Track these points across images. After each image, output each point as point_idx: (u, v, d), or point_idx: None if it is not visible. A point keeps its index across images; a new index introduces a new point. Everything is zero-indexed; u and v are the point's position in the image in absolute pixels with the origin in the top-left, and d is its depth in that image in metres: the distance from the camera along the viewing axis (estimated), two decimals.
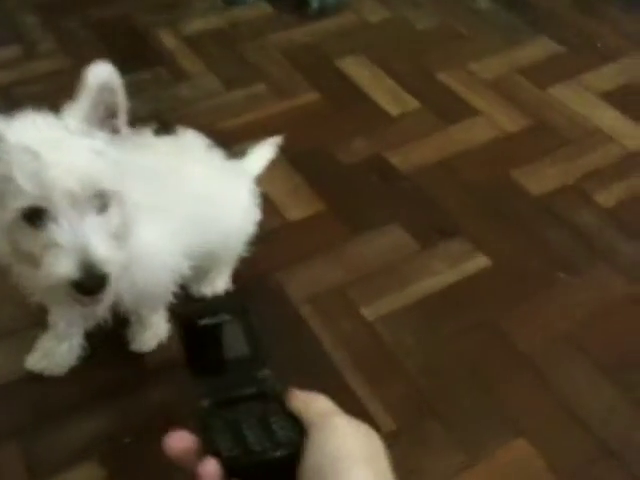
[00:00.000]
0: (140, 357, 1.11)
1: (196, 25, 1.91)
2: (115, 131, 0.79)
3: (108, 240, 0.75)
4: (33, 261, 0.75)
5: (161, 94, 1.64)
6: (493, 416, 1.07)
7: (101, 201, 0.75)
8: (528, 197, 1.42)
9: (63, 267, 0.71)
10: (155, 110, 1.55)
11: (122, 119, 0.79)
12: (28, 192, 0.70)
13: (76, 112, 0.75)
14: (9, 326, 1.14)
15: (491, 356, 1.14)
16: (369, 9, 2.00)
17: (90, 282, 0.72)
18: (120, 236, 0.79)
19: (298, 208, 1.40)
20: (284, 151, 1.50)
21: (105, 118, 0.77)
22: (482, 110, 1.64)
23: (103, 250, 0.73)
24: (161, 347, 1.13)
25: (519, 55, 1.82)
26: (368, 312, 1.19)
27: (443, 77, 1.74)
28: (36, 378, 1.08)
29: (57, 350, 1.07)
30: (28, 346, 1.10)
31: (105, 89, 0.75)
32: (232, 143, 1.51)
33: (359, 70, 1.77)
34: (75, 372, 1.09)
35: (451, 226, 1.35)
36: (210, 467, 0.41)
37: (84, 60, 1.89)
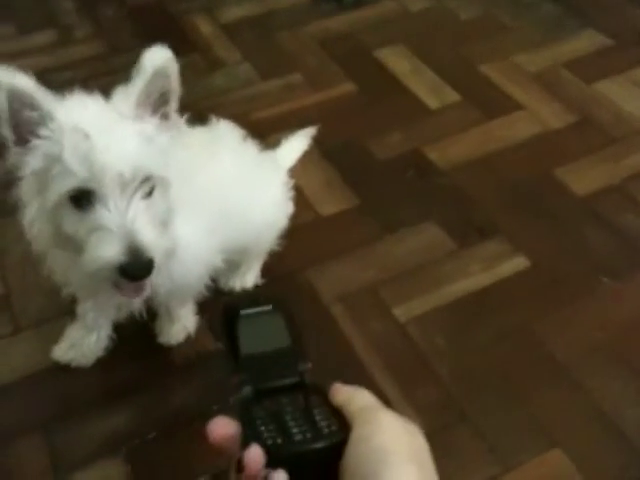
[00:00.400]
0: (168, 350, 1.10)
1: (233, 12, 1.88)
2: (165, 117, 0.78)
3: (153, 226, 0.74)
4: (75, 246, 0.75)
5: (196, 82, 1.62)
6: (526, 425, 1.03)
7: (148, 186, 0.74)
8: (571, 197, 1.37)
9: (110, 250, 0.70)
10: (189, 98, 1.51)
11: (173, 106, 0.78)
12: (77, 173, 0.70)
13: (128, 96, 0.74)
14: (37, 316, 1.14)
15: (526, 363, 1.10)
16: None
17: (136, 267, 0.71)
18: (164, 222, 0.78)
19: (331, 203, 1.36)
20: (318, 143, 1.47)
21: (157, 104, 0.77)
22: (525, 104, 1.58)
23: (149, 235, 0.72)
24: (189, 341, 1.11)
25: (565, 48, 1.75)
26: (400, 313, 1.16)
27: (485, 69, 1.69)
28: (63, 369, 1.07)
29: (85, 341, 1.06)
30: (56, 337, 1.09)
31: (160, 74, 0.74)
32: (266, 134, 1.49)
33: (398, 61, 1.72)
34: (101, 364, 1.08)
35: (489, 225, 1.31)
36: (255, 454, 0.41)
37: (119, 46, 1.91)
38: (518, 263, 1.24)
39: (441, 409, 1.04)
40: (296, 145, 1.40)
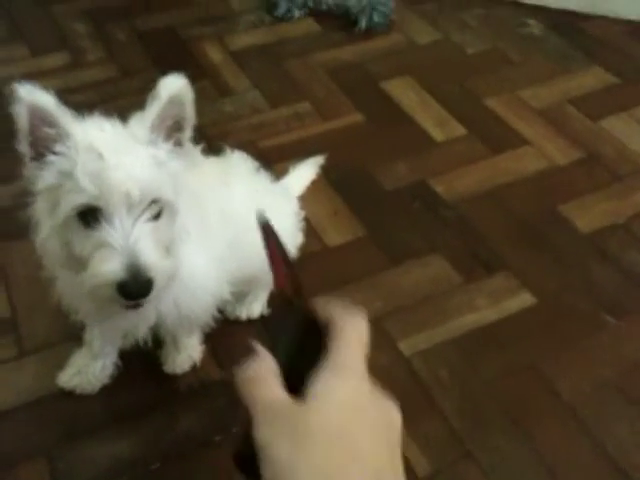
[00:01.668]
0: (173, 379, 1.09)
1: (242, 40, 1.90)
2: (178, 144, 0.79)
3: (157, 248, 0.75)
4: (82, 265, 0.75)
5: (204, 108, 1.63)
6: (531, 464, 1.02)
7: (155, 209, 0.75)
8: (576, 233, 1.37)
9: (110, 266, 0.71)
10: (197, 124, 1.54)
11: (187, 133, 0.80)
12: (87, 190, 0.71)
13: (143, 121, 0.76)
14: (43, 340, 1.13)
15: (531, 400, 1.10)
16: (417, 30, 1.97)
17: (134, 285, 0.72)
18: (168, 247, 0.79)
19: (338, 233, 1.37)
20: (326, 173, 1.48)
21: (171, 130, 0.78)
22: (531, 140, 1.60)
23: (151, 255, 0.73)
24: (193, 369, 1.11)
25: (571, 84, 1.77)
26: (405, 346, 1.16)
27: (491, 103, 1.71)
28: (67, 394, 1.06)
29: (90, 368, 1.06)
30: (61, 361, 1.08)
31: (175, 102, 0.76)
32: (274, 162, 1.50)
33: (405, 92, 1.74)
34: (106, 390, 1.08)
35: (495, 260, 1.31)
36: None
37: (130, 70, 1.92)
38: (524, 299, 1.24)
39: (445, 446, 1.04)
40: (304, 173, 1.41)
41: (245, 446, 0.40)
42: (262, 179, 1.09)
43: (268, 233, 0.53)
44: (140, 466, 0.99)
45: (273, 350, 0.44)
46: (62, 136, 0.73)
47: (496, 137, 1.61)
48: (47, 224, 0.78)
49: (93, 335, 1.04)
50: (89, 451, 1.01)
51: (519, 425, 1.06)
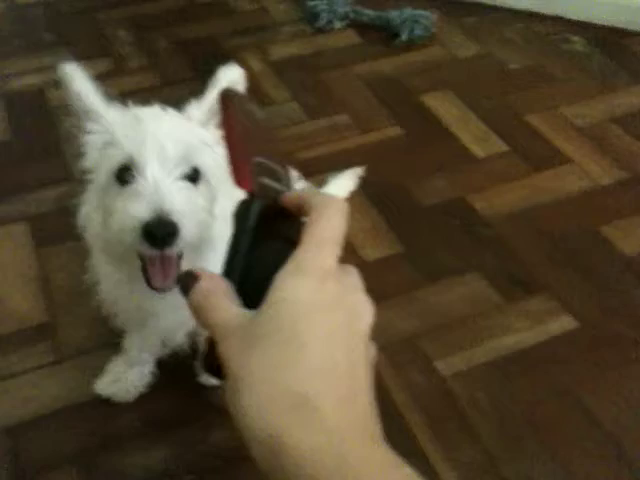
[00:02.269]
0: (208, 391, 1.09)
1: (283, 50, 1.90)
2: None
3: (186, 203, 0.74)
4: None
5: None
6: None
7: (191, 171, 0.76)
8: (619, 256, 1.34)
9: (136, 209, 0.72)
10: None
11: None
12: (124, 146, 0.73)
13: (200, 105, 0.79)
14: (80, 347, 1.14)
15: (571, 428, 1.07)
16: (458, 44, 1.95)
17: (158, 226, 0.71)
18: (200, 217, 0.77)
19: (374, 248, 1.36)
20: (363, 186, 1.47)
21: None
22: (573, 158, 1.57)
23: (178, 203, 0.72)
24: None
25: (615, 102, 1.73)
26: (442, 366, 1.14)
27: (533, 120, 1.68)
28: (102, 402, 1.07)
29: (127, 376, 1.06)
30: (97, 369, 1.09)
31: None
32: (312, 174, 1.49)
33: (445, 107, 1.73)
34: (141, 400, 1.08)
35: (535, 281, 1.29)
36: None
37: (171, 78, 1.94)
38: (564, 322, 1.22)
39: (481, 472, 1.02)
40: (343, 184, 1.40)
41: (212, 353, 0.38)
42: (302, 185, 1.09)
43: (227, 103, 0.43)
44: (171, 478, 0.99)
45: (232, 259, 0.40)
46: (97, 116, 0.78)
47: (537, 155, 1.58)
48: (91, 193, 0.81)
49: (132, 343, 1.04)
50: (120, 461, 1.01)
51: (557, 453, 1.03)
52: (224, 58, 1.88)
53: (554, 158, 1.57)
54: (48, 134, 1.57)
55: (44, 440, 1.03)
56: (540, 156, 1.58)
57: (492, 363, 1.15)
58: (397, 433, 1.04)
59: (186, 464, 1.01)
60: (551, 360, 1.16)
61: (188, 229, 0.73)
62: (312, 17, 1.98)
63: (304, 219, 0.40)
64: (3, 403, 1.07)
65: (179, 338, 0.95)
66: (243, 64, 1.94)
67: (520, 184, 1.51)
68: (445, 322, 1.21)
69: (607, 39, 1.96)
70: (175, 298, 0.73)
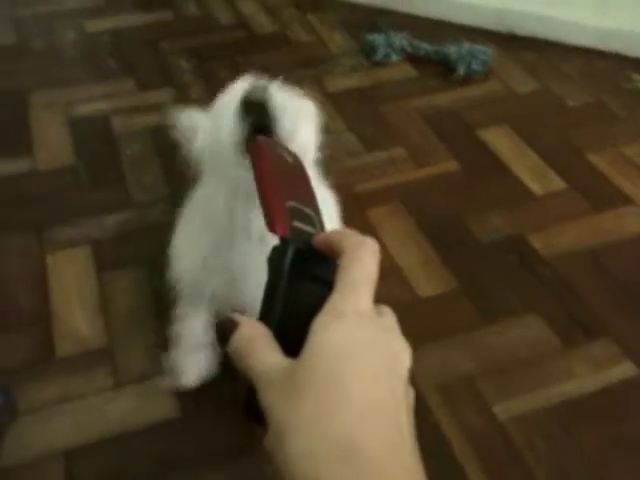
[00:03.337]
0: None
1: (341, 82, 1.92)
2: None
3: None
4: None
5: None
6: None
7: None
8: None
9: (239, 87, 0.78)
10: None
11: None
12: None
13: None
14: (138, 373, 1.15)
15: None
16: (517, 79, 1.94)
17: (255, 94, 0.77)
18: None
19: (429, 283, 1.35)
20: (418, 221, 1.46)
21: None
22: (635, 199, 1.53)
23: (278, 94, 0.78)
24: None
25: None
26: (500, 410, 1.11)
27: (593, 158, 1.65)
28: (156, 430, 1.07)
29: (190, 363, 1.09)
30: (154, 395, 1.10)
31: None
32: (367, 206, 1.50)
33: (502, 142, 1.71)
34: (199, 426, 1.08)
35: (596, 324, 1.25)
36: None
37: None
38: (626, 369, 1.18)
39: None
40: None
41: (252, 399, 0.38)
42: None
43: (258, 150, 0.45)
44: None
45: (269, 304, 0.40)
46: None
47: (597, 193, 1.56)
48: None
49: (189, 326, 1.08)
50: None
51: None
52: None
53: (615, 198, 1.54)
54: (112, 160, 1.62)
55: (95, 467, 1.04)
56: (600, 195, 1.55)
57: (551, 409, 1.12)
58: (449, 472, 1.03)
59: None
60: (613, 408, 1.12)
61: (284, 112, 0.77)
62: (370, 50, 2.00)
63: (338, 260, 0.41)
64: (61, 426, 1.08)
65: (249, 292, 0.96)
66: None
67: (579, 223, 1.48)
68: (503, 364, 1.19)
69: None
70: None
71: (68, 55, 2.04)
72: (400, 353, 0.40)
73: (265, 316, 0.40)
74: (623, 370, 1.18)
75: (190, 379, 1.10)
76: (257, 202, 0.80)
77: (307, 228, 0.43)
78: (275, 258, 0.41)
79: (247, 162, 0.74)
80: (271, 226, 0.41)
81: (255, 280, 0.91)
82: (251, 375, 0.38)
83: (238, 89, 0.80)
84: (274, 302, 0.40)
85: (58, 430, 1.08)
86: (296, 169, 0.49)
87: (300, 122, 0.83)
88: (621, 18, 2.00)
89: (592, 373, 1.17)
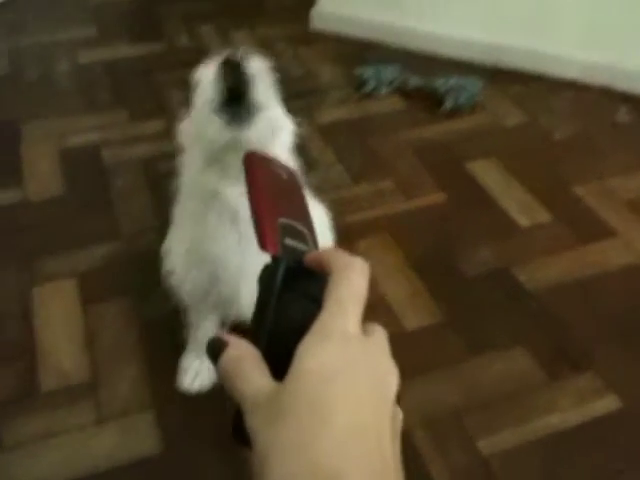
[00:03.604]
0: None
1: (330, 114, 1.94)
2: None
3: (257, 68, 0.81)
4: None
5: None
6: None
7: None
8: None
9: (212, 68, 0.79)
10: None
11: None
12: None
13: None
14: (121, 408, 1.14)
15: None
16: (504, 112, 1.97)
17: (232, 57, 0.78)
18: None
19: (416, 316, 1.35)
20: (406, 253, 1.47)
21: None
22: (619, 231, 1.55)
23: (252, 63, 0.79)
24: None
25: None
26: (484, 445, 1.11)
27: (578, 191, 1.67)
28: (142, 465, 1.07)
29: (203, 367, 1.15)
30: (138, 431, 1.10)
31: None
32: (355, 238, 1.51)
33: (490, 174, 1.73)
34: (183, 460, 1.08)
35: (582, 357, 1.26)
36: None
37: None
38: (610, 402, 1.18)
39: None
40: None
41: (240, 421, 0.38)
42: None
43: (251, 165, 0.45)
44: None
45: (258, 323, 0.40)
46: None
47: (582, 226, 1.57)
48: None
49: (197, 327, 1.13)
50: None
51: None
52: None
53: (599, 231, 1.56)
54: (102, 191, 1.63)
55: None
56: (585, 228, 1.56)
57: (536, 443, 1.12)
58: None
59: None
60: (597, 441, 1.12)
61: (259, 85, 0.79)
62: (359, 83, 2.02)
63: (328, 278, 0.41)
64: (48, 461, 1.07)
65: (246, 296, 0.96)
66: None
67: (565, 256, 1.49)
68: (489, 398, 1.19)
69: None
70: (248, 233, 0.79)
71: (61, 86, 2.06)
72: (387, 375, 0.39)
73: (255, 334, 0.40)
74: (607, 404, 1.18)
75: (193, 385, 1.16)
76: (229, 172, 0.82)
77: (299, 245, 0.43)
78: (266, 277, 0.41)
79: (223, 123, 0.78)
80: (263, 244, 0.41)
81: (234, 268, 0.92)
82: (238, 397, 0.38)
83: (217, 60, 0.82)
84: (264, 320, 0.40)
85: (45, 465, 1.07)
86: (289, 184, 0.48)
87: (271, 94, 0.86)
88: (606, 52, 2.03)
89: (577, 406, 1.17)
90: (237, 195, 0.86)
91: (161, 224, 1.51)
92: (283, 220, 0.43)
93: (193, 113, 0.85)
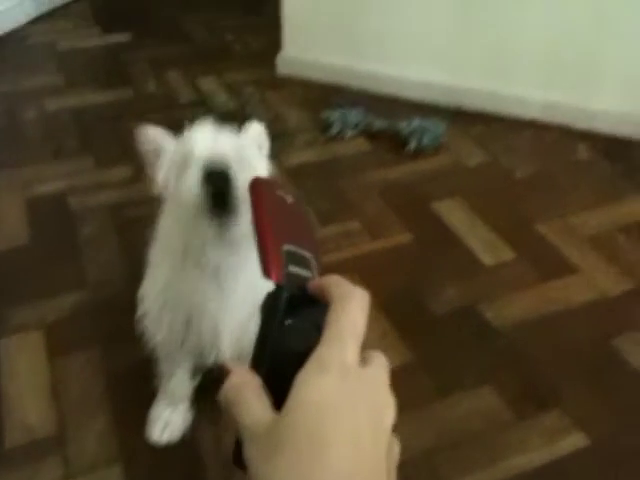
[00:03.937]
0: None
1: (297, 157, 1.97)
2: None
3: (236, 150, 0.86)
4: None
5: None
6: None
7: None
8: (631, 370, 1.34)
9: (197, 172, 0.82)
10: None
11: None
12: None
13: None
14: (89, 462, 1.13)
15: None
16: (467, 152, 2.02)
17: (216, 168, 0.81)
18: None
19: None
20: (374, 293, 1.48)
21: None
22: (581, 268, 1.59)
23: (229, 148, 0.84)
24: None
25: (621, 211, 1.77)
26: None
27: (541, 228, 1.71)
28: None
29: (174, 417, 1.15)
30: None
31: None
32: None
33: (454, 214, 1.77)
34: None
35: (548, 395, 1.28)
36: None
37: None
38: (577, 440, 1.20)
39: None
40: None
41: (240, 448, 0.38)
42: None
43: (256, 192, 0.45)
44: None
45: (260, 351, 0.40)
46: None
47: (545, 263, 1.61)
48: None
49: (170, 376, 1.12)
50: None
51: None
52: None
53: (562, 267, 1.59)
54: (68, 239, 1.62)
55: None
56: (548, 265, 1.60)
57: None
58: None
59: None
60: (566, 479, 1.14)
61: (240, 175, 0.81)
62: (325, 126, 2.06)
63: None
64: None
65: (226, 343, 0.97)
66: None
67: (529, 293, 1.52)
68: (458, 438, 1.20)
69: (612, 148, 2.02)
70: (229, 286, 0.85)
71: (28, 134, 2.06)
72: (384, 408, 0.39)
73: (256, 362, 0.40)
74: (575, 441, 1.20)
75: (162, 436, 1.15)
76: (212, 234, 0.85)
77: (303, 272, 0.43)
78: (268, 305, 0.41)
79: (206, 222, 0.82)
80: (266, 272, 0.41)
81: (211, 321, 0.93)
82: (239, 427, 0.38)
83: (200, 137, 0.87)
84: (265, 348, 0.40)
85: None
86: (294, 208, 0.48)
87: (264, 159, 0.93)
88: (565, 91, 2.10)
89: (545, 445, 1.19)
90: (219, 255, 0.88)
91: (129, 272, 1.52)
92: (287, 247, 0.43)
93: (175, 195, 0.89)
